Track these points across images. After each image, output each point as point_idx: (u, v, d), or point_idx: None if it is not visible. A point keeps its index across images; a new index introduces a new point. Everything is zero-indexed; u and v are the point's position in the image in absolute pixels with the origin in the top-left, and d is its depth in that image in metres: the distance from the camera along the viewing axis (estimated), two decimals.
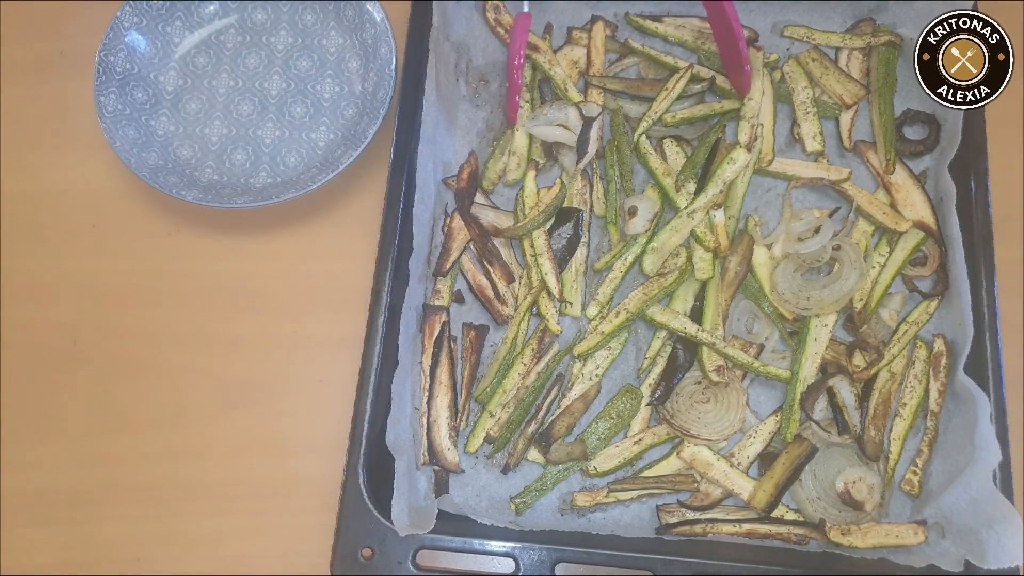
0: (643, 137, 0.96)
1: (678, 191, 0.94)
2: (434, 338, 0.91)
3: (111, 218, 1.04)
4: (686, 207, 0.93)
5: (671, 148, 0.97)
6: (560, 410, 0.90)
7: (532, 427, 0.89)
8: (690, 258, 0.92)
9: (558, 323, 0.92)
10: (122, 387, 0.97)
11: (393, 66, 1.00)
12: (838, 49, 1.01)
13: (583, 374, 0.91)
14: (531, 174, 0.97)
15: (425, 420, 0.89)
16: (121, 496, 0.94)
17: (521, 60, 0.93)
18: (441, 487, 0.88)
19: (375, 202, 0.96)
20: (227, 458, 0.94)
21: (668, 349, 0.91)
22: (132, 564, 0.92)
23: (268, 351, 0.98)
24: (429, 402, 0.89)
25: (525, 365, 0.90)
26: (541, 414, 0.90)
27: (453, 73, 1.00)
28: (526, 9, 0.98)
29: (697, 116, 0.98)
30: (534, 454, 0.89)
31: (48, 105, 1.09)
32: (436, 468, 0.88)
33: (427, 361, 0.90)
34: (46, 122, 1.08)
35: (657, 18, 1.03)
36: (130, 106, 1.02)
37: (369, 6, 1.02)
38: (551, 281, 0.91)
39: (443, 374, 0.90)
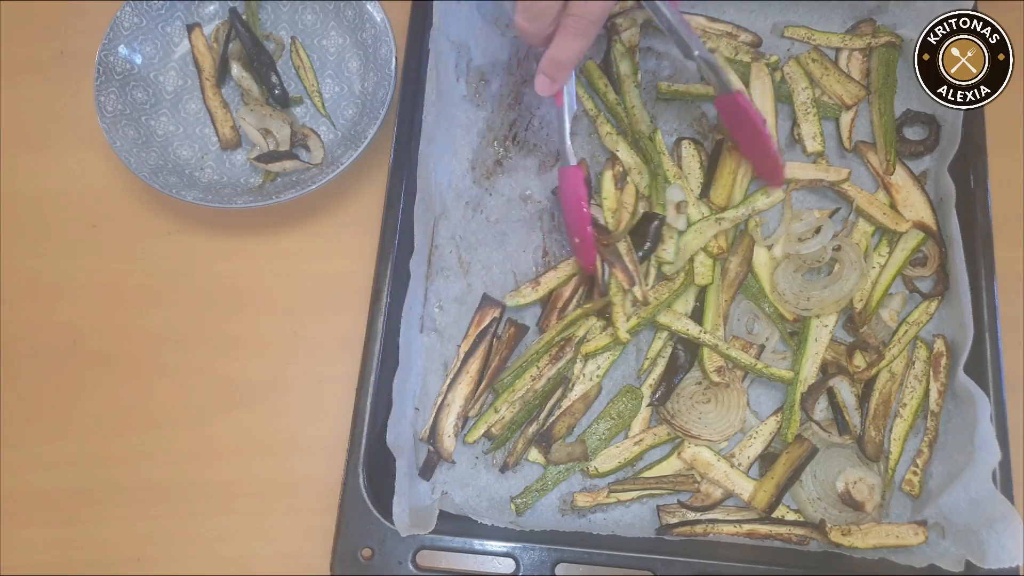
0: (659, 132, 0.96)
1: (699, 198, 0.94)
2: (480, 328, 0.91)
3: (111, 218, 1.04)
4: (713, 214, 0.92)
5: (688, 150, 0.97)
6: (561, 410, 0.90)
7: (532, 427, 0.89)
8: (691, 261, 0.92)
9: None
10: (122, 387, 0.97)
11: (393, 66, 0.99)
12: (838, 50, 1.01)
13: (584, 374, 0.91)
14: (608, 174, 0.95)
15: (440, 399, 0.89)
16: (121, 496, 0.94)
17: (587, 211, 0.87)
18: (428, 469, 0.88)
19: (375, 202, 0.96)
20: (227, 458, 0.94)
21: (669, 350, 0.91)
22: (132, 564, 0.91)
23: (268, 351, 0.98)
24: (451, 384, 0.90)
25: (539, 368, 0.90)
26: (543, 415, 0.90)
27: (453, 72, 1.00)
28: (573, 162, 0.89)
29: (693, 93, 0.98)
30: (534, 454, 0.89)
31: (48, 105, 1.09)
32: (430, 448, 0.89)
33: (465, 347, 0.91)
34: (46, 122, 1.08)
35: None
36: (130, 106, 1.02)
37: (369, 6, 1.02)
38: (638, 293, 0.89)
39: (474, 365, 0.90)
